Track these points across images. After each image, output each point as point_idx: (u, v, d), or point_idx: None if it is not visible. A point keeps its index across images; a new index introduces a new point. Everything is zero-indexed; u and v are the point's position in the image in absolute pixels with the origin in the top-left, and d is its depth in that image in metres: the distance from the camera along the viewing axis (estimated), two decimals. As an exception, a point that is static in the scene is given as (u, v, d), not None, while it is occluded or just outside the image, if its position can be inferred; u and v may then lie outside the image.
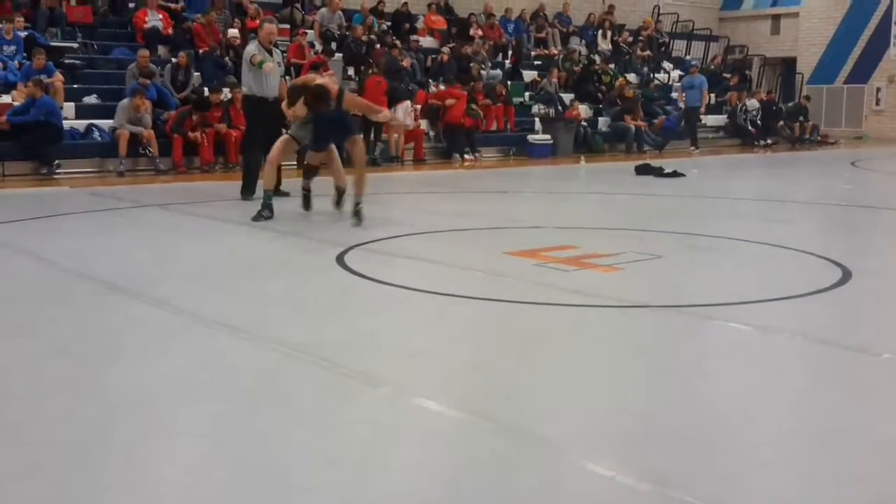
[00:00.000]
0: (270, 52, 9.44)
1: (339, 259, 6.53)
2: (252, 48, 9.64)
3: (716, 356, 4.48)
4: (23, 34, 14.09)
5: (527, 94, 19.45)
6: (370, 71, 15.61)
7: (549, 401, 3.69)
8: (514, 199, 11.57)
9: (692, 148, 19.34)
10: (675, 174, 13.76)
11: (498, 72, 19.35)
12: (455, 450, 3.20)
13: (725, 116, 22.46)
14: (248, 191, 9.80)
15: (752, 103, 21.98)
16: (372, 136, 14.88)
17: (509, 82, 18.92)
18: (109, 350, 4.37)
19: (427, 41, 19.54)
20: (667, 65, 23.58)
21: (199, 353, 4.33)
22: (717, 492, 2.83)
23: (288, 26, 17.77)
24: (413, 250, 7.16)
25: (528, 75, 20.12)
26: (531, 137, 17.68)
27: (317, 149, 8.74)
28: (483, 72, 18.40)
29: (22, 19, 14.47)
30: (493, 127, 17.63)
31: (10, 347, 4.35)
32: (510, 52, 20.59)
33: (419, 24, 20.03)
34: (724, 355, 4.46)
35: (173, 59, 14.62)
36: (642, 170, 14.21)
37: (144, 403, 3.63)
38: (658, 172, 13.91)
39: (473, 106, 16.68)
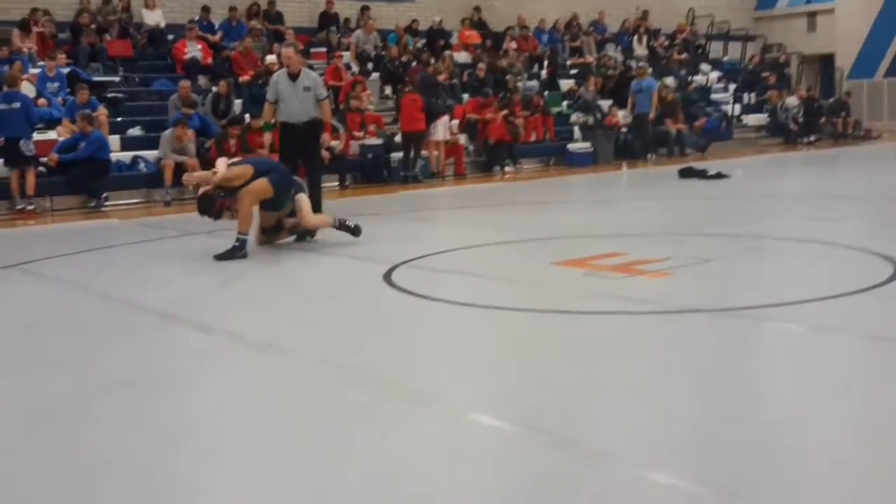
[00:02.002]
0: (296, 77, 9.35)
1: (386, 277, 6.54)
2: (272, 80, 9.61)
3: (772, 358, 4.40)
4: (65, 71, 14.40)
5: (564, 103, 19.40)
6: (406, 89, 15.70)
7: (604, 411, 3.65)
8: (558, 209, 11.52)
9: (649, 156, 17.81)
10: (719, 176, 13.62)
11: (534, 83, 19.34)
12: (512, 465, 3.17)
13: (766, 115, 22.22)
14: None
15: (792, 101, 21.73)
16: (412, 153, 14.95)
17: (546, 92, 18.90)
18: (165, 378, 4.41)
19: (462, 56, 19.60)
20: (704, 67, 23.40)
21: (253, 377, 4.36)
22: (782, 497, 2.77)
23: (324, 49, 17.96)
24: (459, 265, 7.15)
25: (565, 84, 20.08)
26: (571, 146, 17.62)
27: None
28: (519, 84, 18.41)
29: (64, 56, 14.79)
30: (532, 138, 17.61)
31: (66, 379, 4.40)
32: (546, 63, 20.57)
33: (454, 40, 20.10)
34: (780, 357, 4.38)
35: (214, 88, 14.83)
36: (686, 173, 14.08)
37: (202, 429, 3.65)
38: (702, 175, 13.78)
39: (511, 119, 16.68)
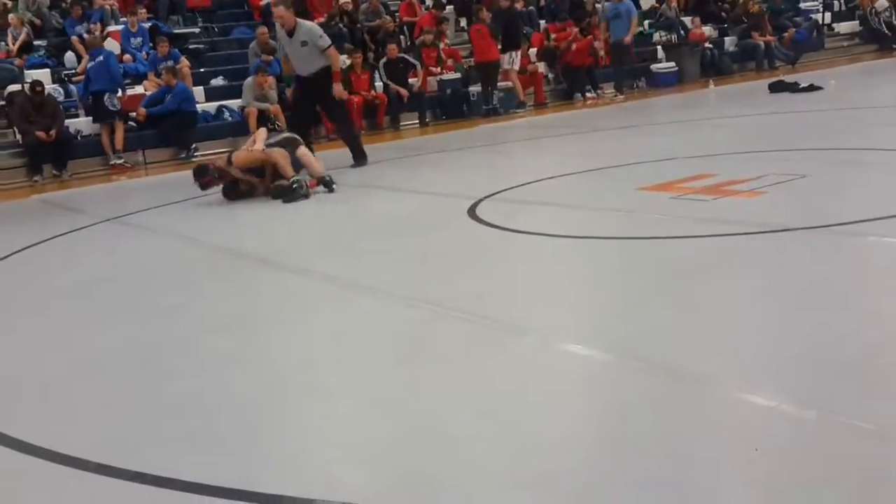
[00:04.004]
0: (292, 33, 9.27)
1: (471, 211, 6.54)
2: (277, 37, 9.69)
3: (872, 274, 4.27)
4: (147, 25, 14.64)
5: (646, 22, 18.84)
6: (473, 19, 15.47)
7: (701, 335, 3.61)
8: (643, 132, 11.28)
9: (615, 94, 15.80)
10: (811, 88, 13.14)
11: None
12: (608, 392, 3.18)
13: (858, 22, 21.21)
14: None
15: (883, 3, 20.62)
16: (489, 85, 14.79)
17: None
18: (266, 320, 4.55)
19: (538, -19, 19.17)
20: (791, -26, 22.38)
21: (347, 316, 4.44)
22: (887, 415, 2.71)
23: (398, -16, 17.81)
24: (544, 196, 7.11)
25: (646, 2, 19.48)
26: (655, 67, 17.17)
27: None
28: (598, 5, 17.94)
29: (144, 11, 15.06)
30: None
31: (174, 324, 4.58)
32: (624, -19, 19.94)
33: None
34: (881, 273, 4.25)
35: (290, 33, 14.87)
36: (776, 87, 13.62)
37: (304, 367, 3.77)
38: (793, 88, 13.32)
39: (596, 44, 16.33)
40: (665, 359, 3.35)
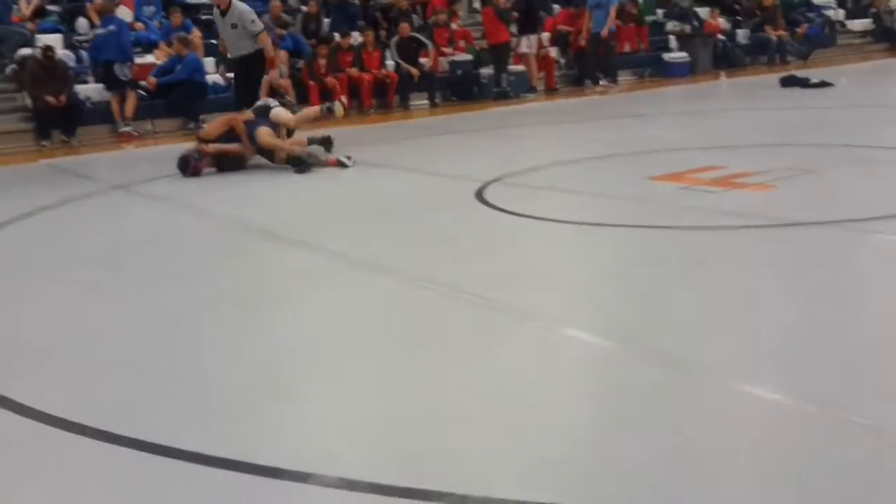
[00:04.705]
0: (225, 12, 9.10)
1: (479, 194, 6.54)
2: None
3: (877, 272, 4.28)
4: (160, -6, 14.58)
5: (659, 11, 18.74)
6: (485, 1, 15.40)
7: (704, 326, 3.63)
8: (653, 122, 11.25)
9: (609, 83, 15.26)
10: (822, 84, 13.09)
11: (628, -10, 18.68)
12: (611, 379, 3.20)
13: (871, 20, 21.09)
14: None
15: (895, 2, 20.50)
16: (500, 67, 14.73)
17: (640, 1, 18.29)
18: (270, 295, 4.56)
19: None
20: (806, -31, 22.24)
21: (353, 295, 4.46)
22: (888, 411, 2.72)
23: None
24: (553, 181, 7.10)
25: (660, -8, 19.38)
26: (667, 56, 17.07)
27: None
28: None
29: (158, -20, 14.97)
30: (626, 49, 17.10)
31: (176, 296, 4.59)
32: (639, -31, 19.84)
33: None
34: (886, 270, 4.25)
35: (304, 8, 14.82)
36: (788, 81, 13.58)
37: (306, 345, 3.78)
38: (804, 83, 13.27)
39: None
40: (670, 348, 3.36)
